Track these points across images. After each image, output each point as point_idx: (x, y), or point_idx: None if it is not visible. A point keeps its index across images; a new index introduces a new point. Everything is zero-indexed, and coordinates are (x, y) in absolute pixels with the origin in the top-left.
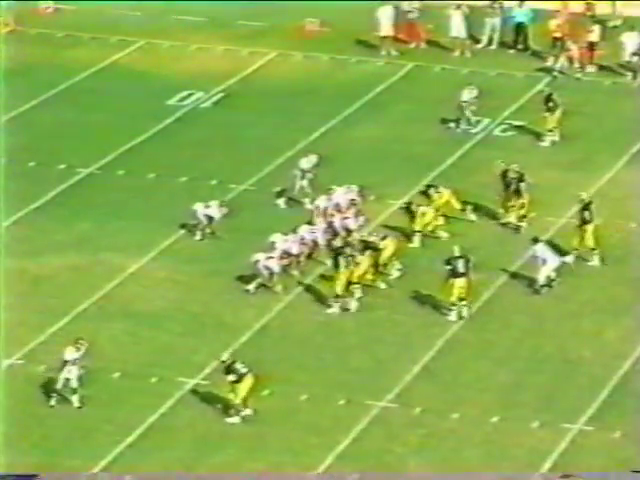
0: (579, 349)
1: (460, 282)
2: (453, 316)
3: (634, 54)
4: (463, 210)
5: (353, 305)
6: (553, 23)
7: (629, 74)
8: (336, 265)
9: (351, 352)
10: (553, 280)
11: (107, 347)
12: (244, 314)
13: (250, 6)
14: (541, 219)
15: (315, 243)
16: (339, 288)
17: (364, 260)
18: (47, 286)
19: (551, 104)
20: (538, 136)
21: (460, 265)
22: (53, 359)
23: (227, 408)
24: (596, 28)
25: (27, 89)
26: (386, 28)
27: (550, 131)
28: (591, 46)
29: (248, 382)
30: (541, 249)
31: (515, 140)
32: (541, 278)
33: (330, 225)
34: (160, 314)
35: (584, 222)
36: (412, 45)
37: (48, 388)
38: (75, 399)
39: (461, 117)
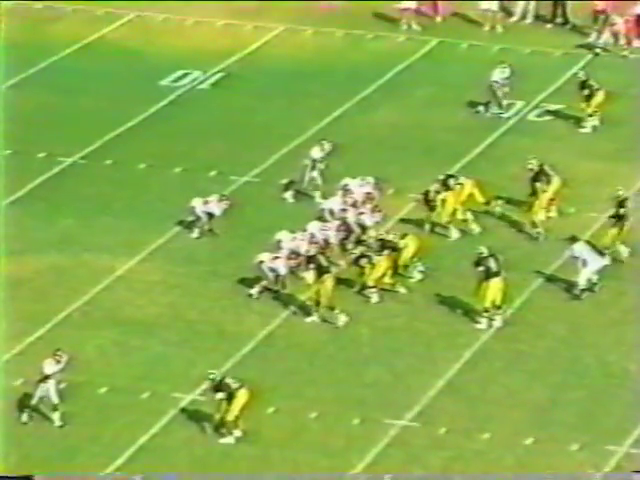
0: (622, 361)
1: (496, 282)
2: (484, 324)
3: None
4: (488, 203)
5: (342, 319)
6: None
7: None
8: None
9: (366, 365)
10: (595, 284)
11: (93, 358)
12: (247, 321)
13: None
14: (581, 215)
15: (327, 242)
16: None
17: (382, 261)
18: (26, 290)
19: (587, 91)
20: (578, 121)
21: (492, 264)
22: (32, 371)
23: (219, 427)
24: None
25: (2, 68)
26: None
27: (591, 116)
28: (638, 19)
29: (241, 398)
30: (580, 249)
31: (552, 126)
32: (581, 281)
33: (344, 222)
34: (152, 322)
35: (619, 219)
36: (437, 19)
37: (22, 404)
38: (56, 417)
39: (491, 100)
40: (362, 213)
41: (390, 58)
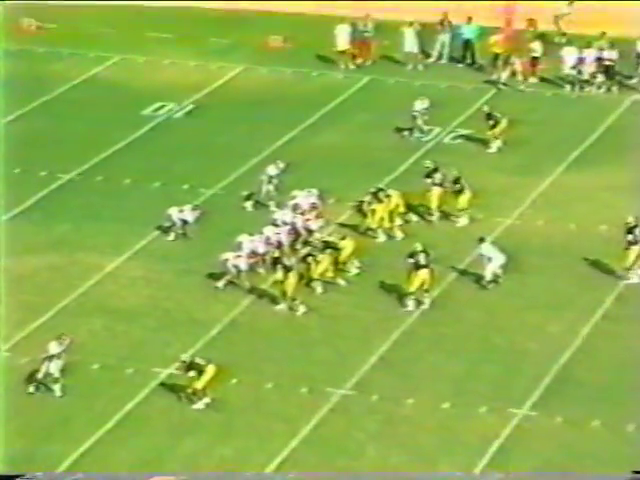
0: (525, 341)
1: (423, 273)
2: (411, 305)
3: (573, 67)
4: (406, 213)
5: (302, 308)
6: (493, 40)
7: (568, 86)
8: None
9: (314, 345)
10: (499, 277)
11: (86, 341)
12: (214, 309)
13: (218, 23)
14: (489, 220)
15: (280, 243)
16: (290, 289)
17: (325, 258)
18: (29, 284)
19: (492, 121)
20: (485, 143)
21: (422, 258)
22: (36, 352)
23: (191, 396)
24: (538, 44)
25: (11, 101)
26: (343, 44)
27: (496, 138)
28: (533, 60)
29: (210, 372)
30: (487, 248)
31: (464, 147)
32: (487, 275)
33: (293, 227)
34: (135, 310)
35: (630, 244)
36: (362, 61)
37: (29, 378)
38: (57, 389)
39: (414, 126)
40: (308, 219)
41: (332, 91)
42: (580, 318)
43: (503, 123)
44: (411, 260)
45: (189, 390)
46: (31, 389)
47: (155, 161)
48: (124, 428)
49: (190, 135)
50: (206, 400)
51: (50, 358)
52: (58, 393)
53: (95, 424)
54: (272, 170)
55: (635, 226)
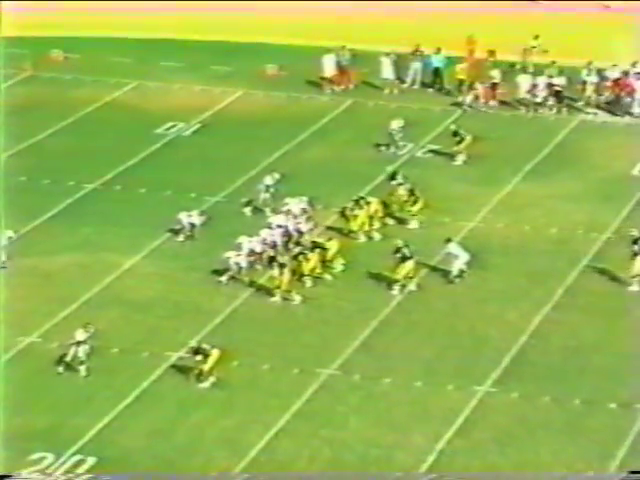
0: (486, 328)
1: (409, 264)
2: (396, 290)
3: (527, 92)
4: (384, 217)
5: (297, 298)
6: (458, 67)
7: (523, 108)
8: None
9: (303, 331)
10: (464, 272)
11: (106, 328)
12: (217, 301)
13: (221, 53)
14: (455, 223)
15: (274, 244)
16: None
17: (313, 257)
18: (57, 279)
19: (458, 138)
20: (451, 157)
21: (407, 251)
22: (64, 338)
23: (198, 376)
24: (497, 72)
25: (42, 121)
26: (329, 71)
27: (461, 153)
28: (493, 86)
29: (215, 356)
30: (453, 247)
31: (433, 160)
32: (454, 270)
33: (286, 229)
34: (149, 302)
35: (635, 254)
36: (345, 86)
37: (59, 360)
38: (83, 369)
39: (391, 142)
40: (299, 223)
41: (319, 112)
42: (533, 308)
43: (467, 140)
44: (398, 254)
45: (196, 371)
46: (60, 370)
47: (166, 173)
48: (140, 403)
49: (197, 150)
50: (211, 379)
51: (78, 344)
52: (83, 373)
53: (115, 400)
54: (268, 180)
55: (639, 238)
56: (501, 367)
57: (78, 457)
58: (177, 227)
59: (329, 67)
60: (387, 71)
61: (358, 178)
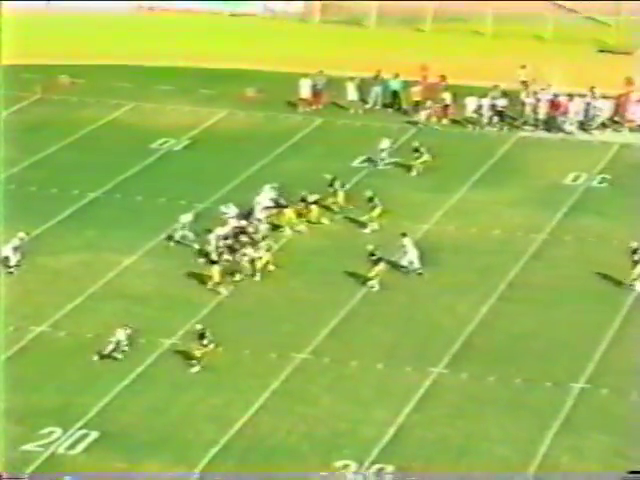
0: (439, 317)
1: (382, 265)
2: (376, 285)
3: (474, 112)
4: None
5: (224, 292)
6: (413, 90)
7: (470, 126)
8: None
9: (280, 321)
10: (419, 269)
11: (109, 319)
12: (205, 295)
13: (207, 79)
14: (412, 226)
15: (226, 238)
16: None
17: (264, 249)
18: (65, 276)
19: (417, 153)
20: (409, 169)
21: (379, 254)
22: (72, 327)
23: (190, 361)
24: (447, 94)
25: (51, 138)
26: (304, 93)
27: (415, 166)
28: (445, 106)
29: (210, 349)
30: (407, 241)
31: (393, 171)
32: (404, 262)
33: (243, 228)
34: (146, 295)
35: (635, 262)
36: (316, 107)
37: (99, 351)
38: (120, 356)
39: (376, 158)
40: (259, 220)
41: (294, 129)
42: (481, 300)
43: (425, 155)
44: (373, 257)
45: (196, 355)
46: (95, 358)
47: (160, 183)
48: (138, 384)
49: (187, 163)
50: (201, 364)
51: (117, 342)
52: (119, 356)
53: (116, 381)
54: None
55: (638, 249)
56: (452, 351)
57: (83, 431)
58: (175, 229)
59: (305, 89)
60: (352, 94)
61: (326, 189)
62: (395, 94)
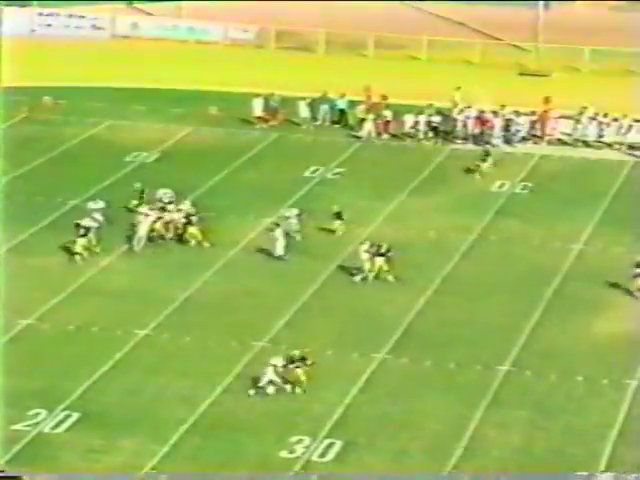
0: (382, 308)
1: (380, 260)
2: (358, 279)
3: (411, 127)
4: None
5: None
6: (358, 109)
7: (409, 140)
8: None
9: (241, 312)
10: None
11: (89, 312)
12: (175, 290)
13: (175, 99)
14: (357, 229)
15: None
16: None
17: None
18: (49, 275)
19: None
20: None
21: (375, 250)
22: (56, 320)
23: (293, 385)
24: (388, 112)
25: (37, 152)
26: (258, 112)
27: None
28: (386, 122)
29: (303, 371)
30: (278, 233)
31: (339, 181)
32: (278, 250)
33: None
34: (121, 292)
35: (637, 275)
36: (272, 124)
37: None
38: None
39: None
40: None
41: (252, 144)
42: (419, 292)
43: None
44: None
45: (301, 379)
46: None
47: (134, 191)
48: (115, 370)
49: (157, 174)
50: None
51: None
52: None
53: (95, 367)
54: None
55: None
56: (394, 339)
57: (66, 412)
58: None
59: (257, 108)
60: (304, 112)
61: (281, 196)
62: (342, 112)
